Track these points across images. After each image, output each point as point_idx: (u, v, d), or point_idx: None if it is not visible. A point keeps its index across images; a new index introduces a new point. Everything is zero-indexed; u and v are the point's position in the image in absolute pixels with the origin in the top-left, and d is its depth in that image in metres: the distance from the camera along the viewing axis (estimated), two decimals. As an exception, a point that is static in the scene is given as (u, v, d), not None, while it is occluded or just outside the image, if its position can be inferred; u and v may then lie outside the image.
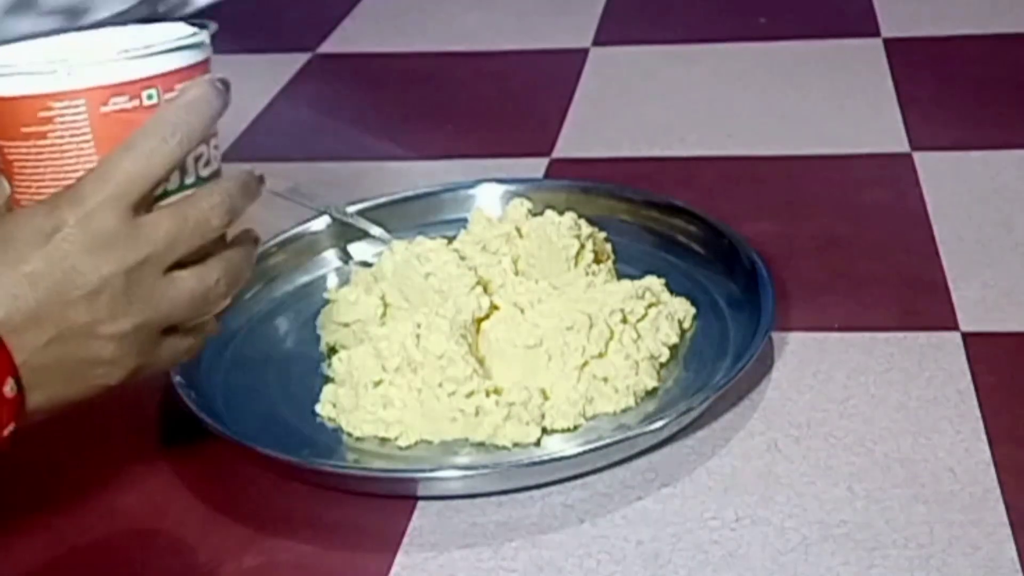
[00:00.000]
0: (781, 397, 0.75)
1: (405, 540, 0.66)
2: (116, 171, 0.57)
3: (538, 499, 0.68)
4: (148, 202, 0.58)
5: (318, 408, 0.75)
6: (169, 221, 0.58)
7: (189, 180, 0.60)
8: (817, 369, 0.77)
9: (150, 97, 0.59)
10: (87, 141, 0.58)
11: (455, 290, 0.76)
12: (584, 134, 1.11)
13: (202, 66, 0.61)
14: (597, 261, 0.83)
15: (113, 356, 0.58)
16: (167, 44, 0.59)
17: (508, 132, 1.12)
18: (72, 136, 0.58)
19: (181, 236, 0.59)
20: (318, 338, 0.81)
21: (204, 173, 0.61)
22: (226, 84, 0.62)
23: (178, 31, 0.62)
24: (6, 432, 0.56)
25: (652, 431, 0.69)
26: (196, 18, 0.64)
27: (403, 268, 0.79)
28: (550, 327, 0.75)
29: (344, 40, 1.36)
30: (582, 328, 0.75)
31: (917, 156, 1.02)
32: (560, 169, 1.04)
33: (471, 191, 0.93)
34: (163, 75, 0.59)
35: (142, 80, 0.58)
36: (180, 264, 0.60)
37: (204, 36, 0.61)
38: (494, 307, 0.77)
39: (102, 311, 0.57)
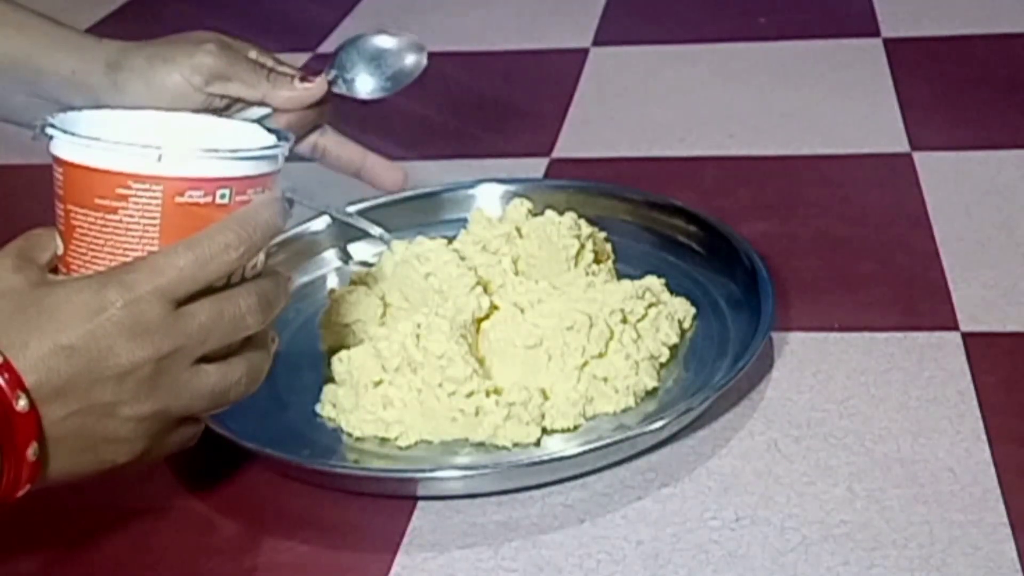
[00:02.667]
0: (781, 397, 0.75)
1: (405, 540, 0.66)
2: (171, 266, 0.59)
3: (538, 499, 0.68)
4: (192, 298, 0.60)
5: (318, 408, 0.75)
6: (206, 315, 0.60)
7: (235, 279, 0.62)
8: (817, 369, 0.77)
9: (223, 196, 0.60)
10: (154, 226, 0.59)
11: (455, 290, 0.76)
12: (584, 134, 1.11)
13: (273, 176, 0.63)
14: (597, 261, 0.83)
15: (127, 436, 0.59)
16: (252, 152, 0.61)
17: (508, 132, 1.12)
18: (141, 218, 0.59)
19: (215, 331, 0.60)
20: (318, 338, 0.81)
21: (249, 275, 0.63)
22: (290, 203, 0.64)
23: (260, 138, 0.64)
24: (20, 493, 0.57)
25: (652, 431, 0.69)
26: (271, 128, 0.65)
27: (403, 268, 0.79)
28: (550, 327, 0.75)
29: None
30: (582, 328, 0.75)
31: (917, 156, 1.02)
32: (560, 169, 1.04)
33: (471, 191, 0.94)
34: (239, 178, 0.61)
35: (220, 179, 0.60)
36: (207, 358, 0.61)
37: (284, 149, 0.63)
38: (494, 307, 0.77)
39: (127, 393, 0.58)
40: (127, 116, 0.65)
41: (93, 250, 0.60)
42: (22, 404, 0.55)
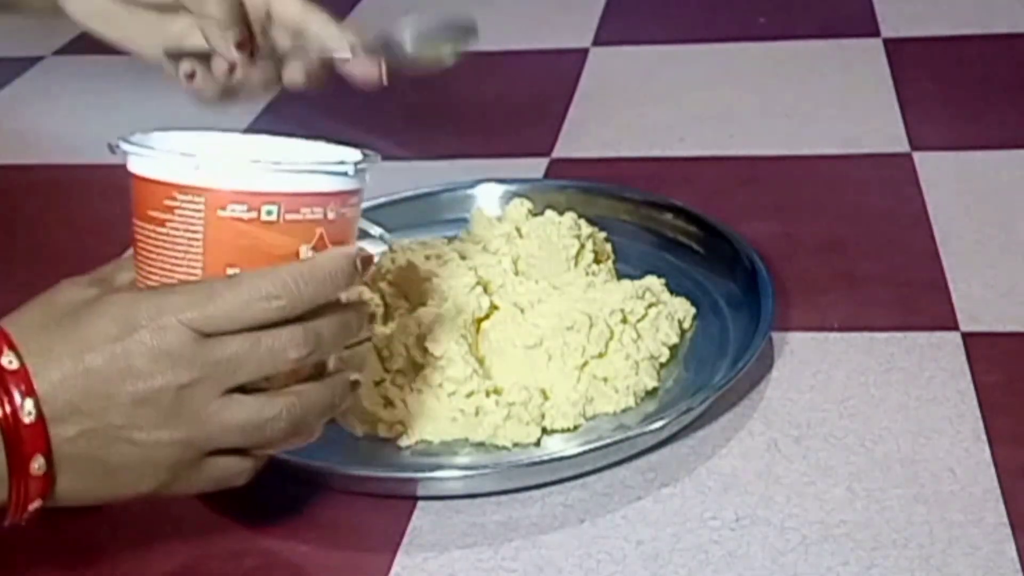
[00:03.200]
0: (781, 397, 0.75)
1: (405, 540, 0.66)
2: (207, 300, 0.56)
3: (538, 499, 0.68)
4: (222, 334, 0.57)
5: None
6: (239, 344, 0.57)
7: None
8: (817, 369, 0.77)
9: (270, 213, 0.57)
10: (197, 240, 0.57)
11: (455, 290, 0.76)
12: (584, 134, 1.11)
13: (340, 197, 0.59)
14: (597, 261, 0.83)
15: (141, 463, 0.57)
16: (300, 165, 0.58)
17: (508, 132, 1.12)
18: (185, 231, 0.57)
19: (248, 361, 0.57)
20: (318, 338, 0.81)
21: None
22: (366, 262, 0.60)
23: (328, 153, 0.61)
24: (31, 507, 0.57)
25: (652, 431, 0.69)
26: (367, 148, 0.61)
27: (403, 268, 0.79)
28: (550, 327, 0.75)
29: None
30: (582, 328, 0.75)
31: (917, 156, 1.02)
32: (560, 169, 1.04)
33: (471, 191, 0.93)
34: (289, 194, 0.57)
35: (265, 194, 0.57)
36: (249, 389, 0.58)
37: (348, 167, 0.58)
38: (494, 307, 0.77)
39: (142, 419, 0.56)
40: (198, 137, 0.62)
41: (148, 264, 0.59)
42: (29, 413, 0.54)
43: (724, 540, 0.64)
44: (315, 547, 0.66)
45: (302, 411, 0.59)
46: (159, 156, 0.58)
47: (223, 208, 0.57)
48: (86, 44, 1.42)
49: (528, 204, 0.86)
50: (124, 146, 0.58)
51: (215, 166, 0.57)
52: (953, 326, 0.80)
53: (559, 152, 1.07)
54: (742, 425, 0.73)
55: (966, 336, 0.79)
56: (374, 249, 0.89)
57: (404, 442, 0.72)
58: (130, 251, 0.61)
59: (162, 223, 0.58)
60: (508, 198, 0.90)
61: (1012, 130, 1.05)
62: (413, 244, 0.81)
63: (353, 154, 0.60)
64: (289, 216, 0.57)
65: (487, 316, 0.77)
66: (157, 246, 0.58)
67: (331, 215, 0.58)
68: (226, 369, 0.57)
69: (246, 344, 0.57)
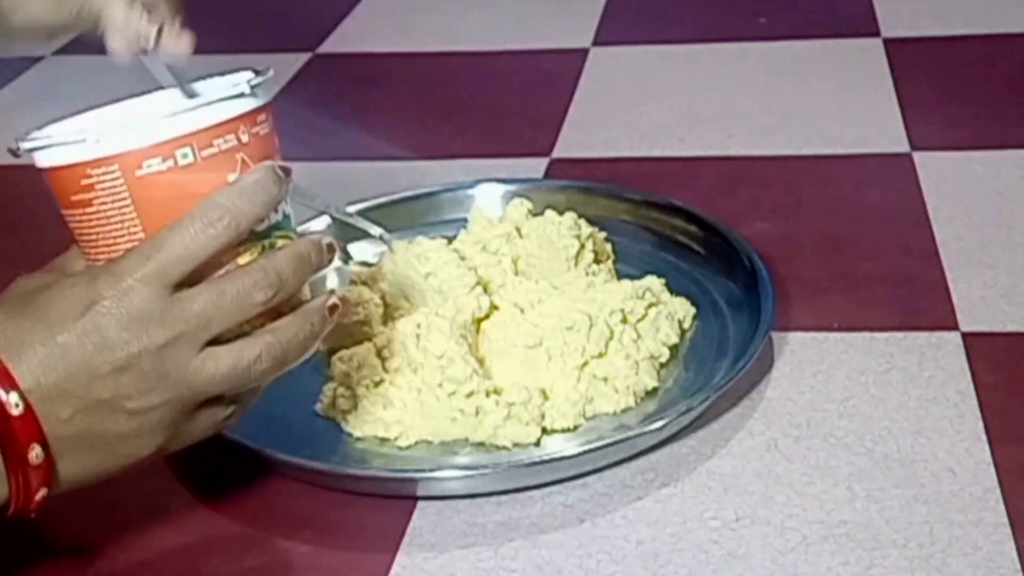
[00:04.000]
0: (781, 397, 0.75)
1: (405, 540, 0.66)
2: (157, 250, 0.57)
3: (538, 499, 0.68)
4: (188, 282, 0.58)
5: (318, 408, 0.75)
6: (205, 297, 0.57)
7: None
8: (817, 369, 0.77)
9: (185, 156, 0.57)
10: (127, 206, 0.58)
11: (455, 290, 0.76)
12: (584, 134, 1.11)
13: (247, 118, 0.59)
14: (597, 261, 0.83)
15: (138, 430, 0.58)
16: (196, 102, 0.58)
17: (508, 132, 1.12)
18: (113, 202, 0.58)
19: (217, 313, 0.58)
20: (318, 338, 0.81)
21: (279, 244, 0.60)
22: (286, 170, 0.60)
23: (220, 84, 0.61)
24: (38, 497, 0.57)
25: (652, 431, 0.69)
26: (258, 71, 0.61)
27: (403, 268, 0.79)
28: (550, 327, 0.75)
29: (344, 40, 1.36)
30: (582, 328, 0.75)
31: (917, 156, 1.02)
32: (560, 169, 1.04)
33: (471, 191, 0.93)
34: (195, 133, 0.58)
35: (173, 140, 0.57)
36: (221, 339, 0.58)
37: (243, 87, 0.59)
38: (494, 307, 0.77)
39: (128, 387, 0.57)
40: (87, 116, 0.63)
41: (92, 246, 0.60)
42: (16, 405, 0.55)
43: (724, 540, 0.64)
44: (315, 547, 0.66)
45: (282, 348, 0.60)
46: (60, 142, 0.58)
47: (139, 168, 0.57)
48: (86, 44, 1.42)
49: (528, 204, 0.86)
50: (24, 145, 0.59)
51: (117, 131, 0.57)
52: (953, 326, 0.80)
53: (559, 152, 1.07)
54: (742, 425, 0.73)
55: (966, 336, 0.79)
56: (374, 249, 0.89)
57: (404, 442, 0.72)
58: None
59: (88, 203, 0.58)
60: (508, 198, 0.90)
61: (1012, 130, 1.05)
62: (413, 244, 0.81)
63: (245, 75, 0.61)
64: (205, 152, 0.58)
65: (487, 316, 0.77)
66: (92, 227, 0.59)
67: (245, 138, 0.59)
68: (198, 323, 0.57)
69: (213, 295, 0.57)
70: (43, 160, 0.59)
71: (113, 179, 0.57)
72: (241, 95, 0.59)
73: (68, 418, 0.56)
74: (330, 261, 0.62)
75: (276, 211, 0.60)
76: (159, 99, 0.65)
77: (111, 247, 0.59)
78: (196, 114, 0.58)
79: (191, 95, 0.67)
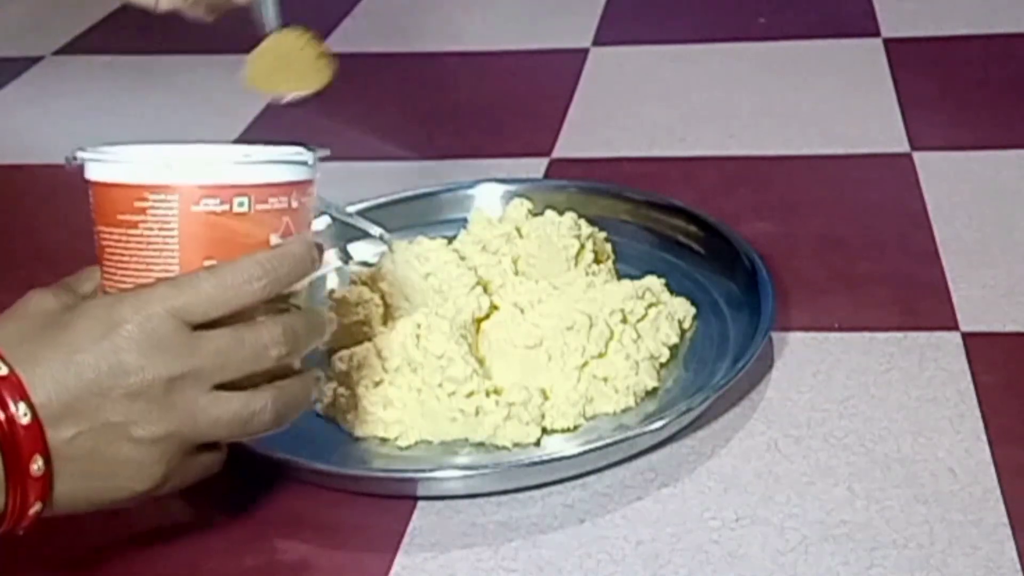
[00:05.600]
0: (781, 397, 0.75)
1: (405, 540, 0.66)
2: (191, 288, 0.58)
3: (538, 499, 0.68)
4: (206, 327, 0.59)
5: (318, 408, 0.75)
6: (224, 341, 0.58)
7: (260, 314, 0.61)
8: (817, 369, 0.77)
9: (241, 204, 0.59)
10: (172, 236, 0.59)
11: (455, 290, 0.76)
12: (584, 134, 1.11)
13: (301, 186, 0.62)
14: (597, 261, 0.83)
15: (139, 460, 0.58)
16: (266, 157, 0.60)
17: (508, 132, 1.12)
18: (160, 229, 0.59)
19: (233, 358, 0.59)
20: (318, 338, 0.81)
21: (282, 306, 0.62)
22: (320, 249, 0.63)
23: (284, 150, 0.63)
24: (31, 511, 0.57)
25: (652, 431, 0.69)
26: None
27: (403, 268, 0.79)
28: (550, 327, 0.75)
29: (344, 40, 1.36)
30: (582, 328, 0.75)
31: (917, 156, 1.02)
32: (560, 169, 1.04)
33: (471, 191, 0.93)
34: (257, 186, 0.60)
35: (235, 186, 0.59)
36: (230, 386, 0.59)
37: (307, 157, 0.62)
38: (494, 307, 0.77)
39: (137, 414, 0.57)
40: (151, 147, 0.64)
41: (120, 268, 0.60)
42: (24, 416, 0.55)
43: (724, 540, 0.64)
44: (315, 547, 0.66)
45: (284, 405, 0.61)
46: (129, 160, 0.60)
47: (196, 203, 0.59)
48: (86, 44, 1.42)
49: (528, 204, 0.86)
50: (88, 155, 0.61)
51: (186, 164, 0.59)
52: (953, 326, 0.80)
53: (559, 152, 1.07)
54: (742, 425, 0.73)
55: (966, 336, 0.79)
56: (374, 249, 0.89)
57: (404, 442, 0.72)
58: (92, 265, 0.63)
59: (134, 225, 0.59)
60: (508, 198, 0.90)
61: (1012, 130, 1.05)
62: (413, 244, 0.81)
63: (298, 148, 0.63)
64: (259, 207, 0.60)
65: (487, 316, 0.77)
66: (130, 248, 0.60)
67: (294, 204, 0.62)
68: (213, 364, 0.58)
69: (232, 341, 0.59)
70: (101, 174, 0.60)
71: (168, 207, 0.59)
72: (304, 163, 0.62)
73: (72, 437, 0.56)
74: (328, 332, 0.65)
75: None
76: (223, 148, 0.66)
77: (141, 272, 0.60)
78: (261, 168, 0.60)
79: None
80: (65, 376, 0.56)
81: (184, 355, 0.57)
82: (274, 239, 0.61)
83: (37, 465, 0.55)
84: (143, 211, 0.59)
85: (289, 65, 0.79)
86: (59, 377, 0.56)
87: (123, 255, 0.60)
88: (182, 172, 0.59)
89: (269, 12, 0.80)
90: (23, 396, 0.55)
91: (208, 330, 0.58)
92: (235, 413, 0.59)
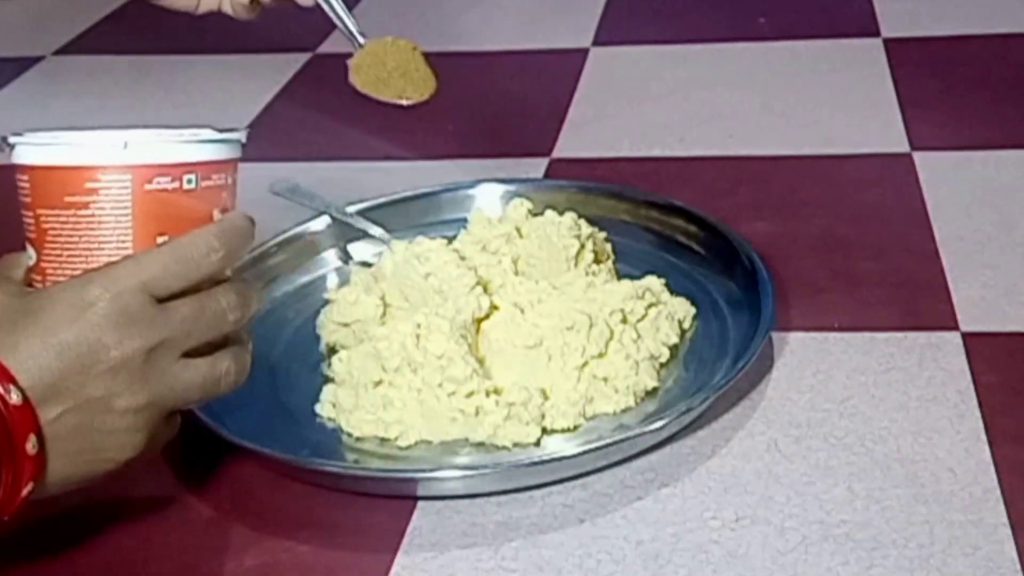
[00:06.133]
0: (781, 397, 0.75)
1: (405, 540, 0.66)
2: (156, 263, 0.60)
3: (538, 499, 0.68)
4: (170, 298, 0.61)
5: (318, 408, 0.75)
6: (188, 309, 0.61)
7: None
8: (817, 369, 0.77)
9: (189, 182, 0.62)
10: (126, 215, 0.61)
11: (455, 290, 0.76)
12: (584, 134, 1.11)
13: (234, 164, 0.65)
14: (597, 261, 0.83)
15: (126, 429, 0.60)
16: (213, 137, 0.63)
17: (508, 132, 1.12)
18: (113, 208, 0.61)
19: (198, 325, 0.62)
20: (318, 338, 0.81)
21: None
22: (252, 221, 0.66)
23: (213, 132, 0.66)
24: (24, 492, 0.57)
25: (652, 431, 0.69)
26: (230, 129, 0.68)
27: (403, 268, 0.79)
28: (550, 327, 0.75)
29: (344, 40, 1.36)
30: (582, 328, 0.75)
31: (917, 156, 1.02)
32: (560, 169, 1.04)
33: (471, 191, 0.94)
34: (203, 163, 0.63)
35: (185, 164, 0.62)
36: (192, 354, 0.62)
37: (241, 136, 0.65)
38: (494, 307, 0.77)
39: (120, 385, 0.59)
40: (87, 132, 0.66)
41: (68, 249, 0.61)
42: (15, 397, 0.56)
43: (724, 540, 0.64)
44: (315, 547, 0.66)
45: (242, 366, 0.65)
46: (83, 143, 0.61)
47: (149, 182, 0.61)
48: (86, 44, 1.42)
49: (528, 204, 0.86)
50: (29, 140, 0.62)
51: (139, 144, 0.61)
52: (953, 326, 0.80)
53: (559, 152, 1.07)
54: (742, 425, 0.73)
55: (966, 336, 0.79)
56: (374, 249, 0.89)
57: (404, 442, 0.72)
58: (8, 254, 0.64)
59: (84, 206, 0.61)
60: (508, 198, 0.90)
61: (1012, 130, 1.05)
62: (413, 244, 0.81)
63: (238, 130, 0.66)
64: (204, 183, 0.63)
65: (487, 316, 0.77)
66: (79, 229, 0.61)
67: (230, 180, 0.65)
68: (181, 332, 0.61)
69: (195, 309, 0.62)
70: (48, 158, 0.61)
71: (122, 187, 0.61)
72: (238, 142, 0.65)
73: (59, 416, 0.58)
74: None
75: None
76: (154, 132, 0.69)
77: (92, 252, 0.61)
78: (206, 147, 0.63)
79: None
80: (47, 359, 0.57)
81: (156, 327, 0.60)
82: (216, 214, 0.64)
83: (31, 443, 0.57)
84: (95, 191, 0.60)
85: (402, 73, 0.84)
86: (41, 361, 0.57)
87: (71, 236, 0.61)
88: (138, 153, 0.61)
89: (348, 20, 0.91)
90: (11, 380, 0.56)
91: (172, 301, 0.61)
92: (205, 377, 0.63)
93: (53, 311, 0.58)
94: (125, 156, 0.60)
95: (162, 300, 0.61)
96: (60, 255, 0.61)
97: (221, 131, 0.65)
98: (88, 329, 0.58)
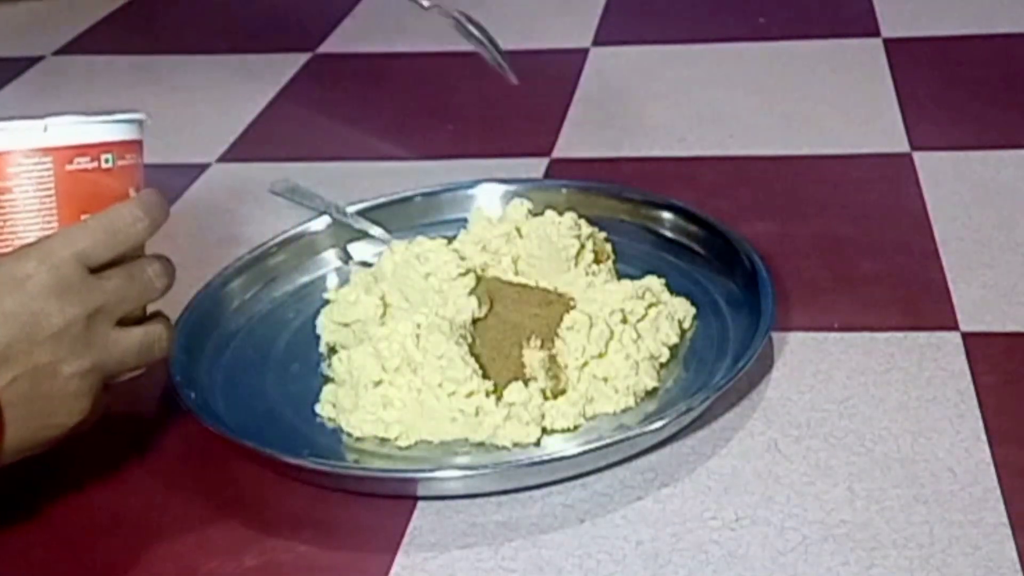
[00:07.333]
0: (781, 397, 0.75)
1: (405, 540, 0.66)
2: (86, 235, 0.65)
3: (538, 499, 0.68)
4: (99, 269, 0.66)
5: (318, 408, 0.75)
6: (119, 278, 0.66)
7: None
8: (817, 369, 0.77)
9: (107, 161, 0.67)
10: (50, 196, 0.65)
11: (455, 290, 0.76)
12: (584, 134, 1.11)
13: (141, 145, 0.70)
14: (597, 261, 0.83)
15: (71, 393, 0.63)
16: (124, 118, 0.68)
17: (508, 132, 1.12)
18: (37, 191, 0.65)
19: (130, 292, 0.67)
20: (318, 338, 0.81)
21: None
22: (165, 194, 0.70)
23: (122, 114, 0.70)
24: None
25: (652, 431, 0.69)
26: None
27: (403, 268, 0.79)
28: (550, 327, 0.75)
29: (344, 40, 1.36)
30: (582, 328, 0.75)
31: (917, 156, 1.02)
32: (560, 169, 1.04)
33: (471, 191, 0.94)
34: (118, 143, 0.68)
35: (103, 144, 0.67)
36: (125, 321, 0.67)
37: (144, 117, 0.70)
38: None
39: (64, 351, 0.63)
40: (4, 120, 0.69)
41: None
42: None
43: (724, 540, 0.64)
44: (315, 547, 0.66)
45: (168, 335, 0.70)
46: (2, 129, 0.65)
47: (70, 163, 0.65)
48: (86, 44, 1.42)
49: (528, 204, 0.86)
50: None
51: (57, 127, 0.65)
52: (953, 326, 0.80)
53: (559, 152, 1.07)
54: (742, 425, 0.73)
55: (966, 336, 0.79)
56: (374, 249, 0.89)
57: (404, 442, 0.72)
58: None
59: (8, 190, 0.65)
60: (508, 198, 0.90)
61: (1012, 130, 1.05)
62: (413, 244, 0.81)
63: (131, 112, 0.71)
64: (120, 162, 0.68)
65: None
66: (4, 213, 0.65)
67: (139, 160, 0.70)
68: (115, 299, 0.66)
69: (125, 277, 0.67)
70: None
71: (43, 170, 0.65)
72: (141, 123, 0.70)
73: (10, 382, 0.61)
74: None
75: None
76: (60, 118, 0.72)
77: (18, 234, 0.65)
78: (120, 127, 0.68)
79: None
80: None
81: (93, 294, 0.64)
82: (131, 192, 0.68)
83: None
84: (17, 175, 0.64)
85: None
86: None
87: None
88: (57, 135, 0.65)
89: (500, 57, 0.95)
90: None
91: (104, 271, 0.65)
92: (140, 342, 0.68)
93: None
94: (45, 139, 0.64)
95: (94, 271, 0.64)
96: None
97: (124, 113, 0.69)
98: (29, 299, 0.62)
